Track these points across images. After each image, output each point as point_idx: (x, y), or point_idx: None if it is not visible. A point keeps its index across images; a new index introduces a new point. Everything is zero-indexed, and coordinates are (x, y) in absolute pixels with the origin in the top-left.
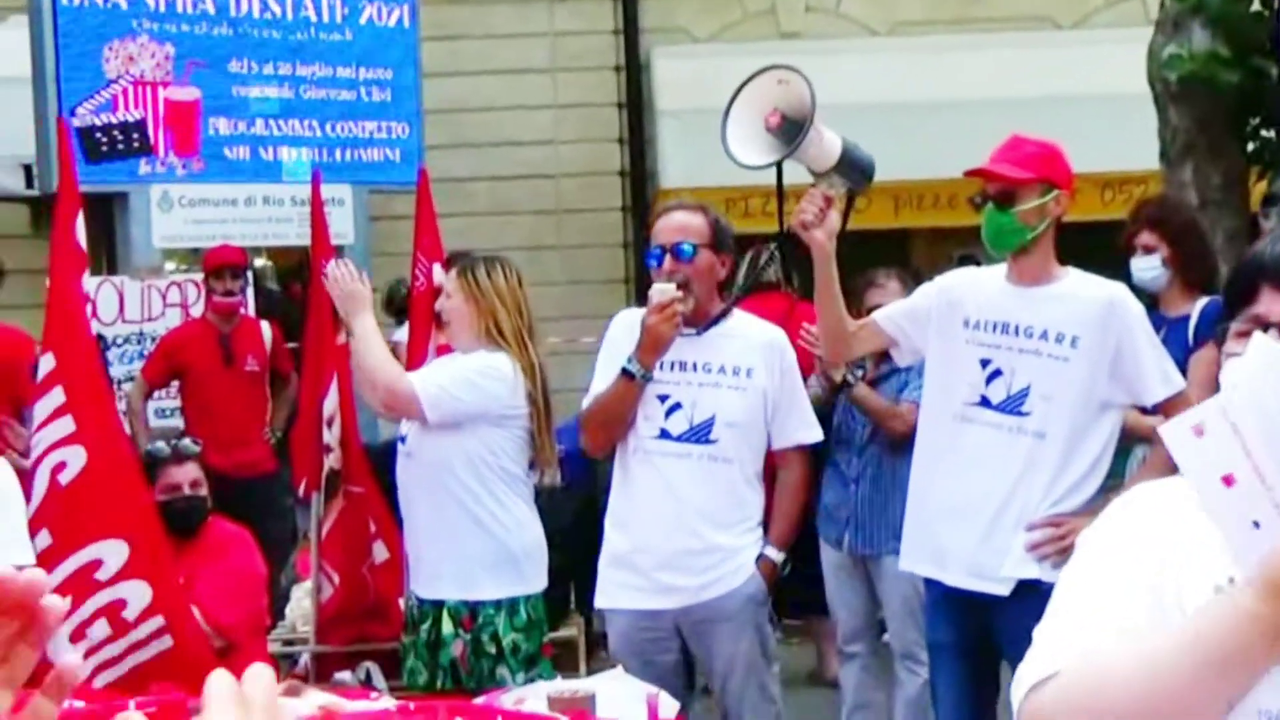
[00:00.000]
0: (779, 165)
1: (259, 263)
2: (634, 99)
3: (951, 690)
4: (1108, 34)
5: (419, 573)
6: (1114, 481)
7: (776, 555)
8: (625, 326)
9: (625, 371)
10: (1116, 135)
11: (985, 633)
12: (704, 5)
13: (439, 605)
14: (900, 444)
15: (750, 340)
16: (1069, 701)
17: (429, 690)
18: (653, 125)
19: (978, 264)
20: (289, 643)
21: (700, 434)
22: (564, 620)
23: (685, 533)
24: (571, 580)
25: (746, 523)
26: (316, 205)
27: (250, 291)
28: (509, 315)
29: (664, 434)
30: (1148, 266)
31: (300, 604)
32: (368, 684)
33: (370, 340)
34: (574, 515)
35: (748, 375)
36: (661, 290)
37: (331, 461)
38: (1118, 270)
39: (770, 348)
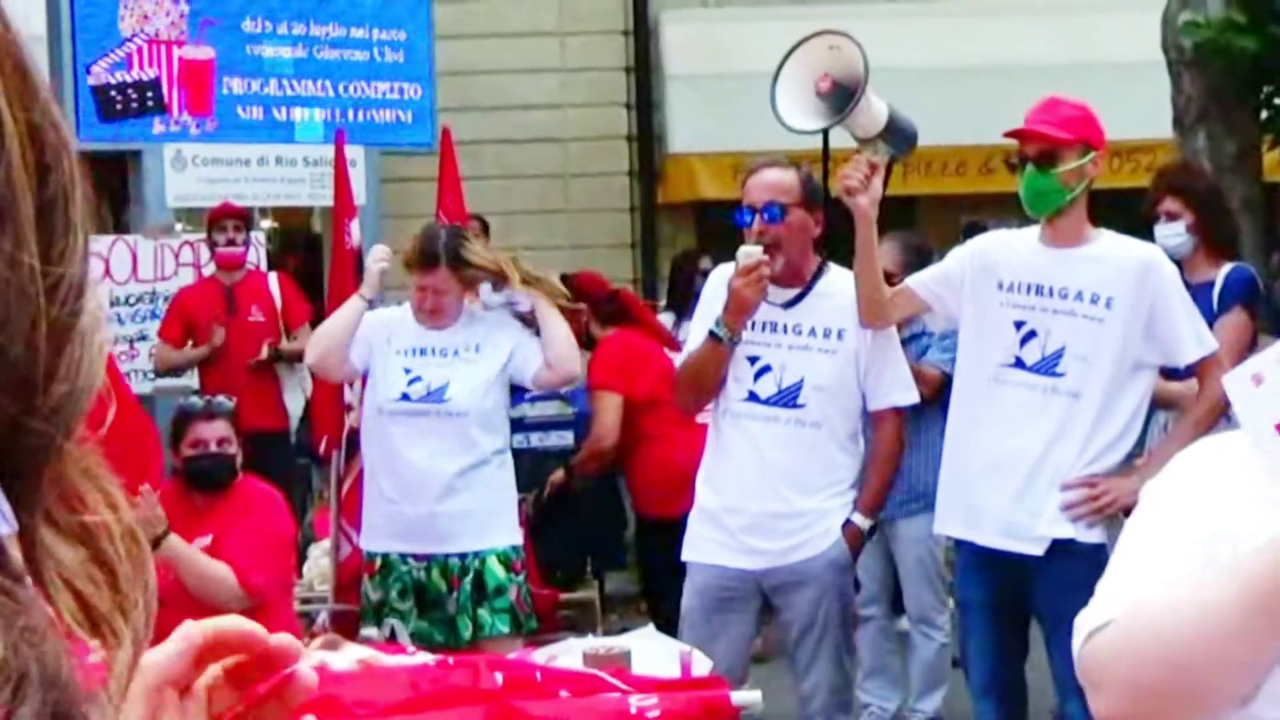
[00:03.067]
0: (826, 130)
1: (264, 224)
2: (642, 63)
3: (982, 650)
4: (1120, 2)
5: (452, 526)
6: (1136, 449)
7: (863, 522)
8: (721, 282)
9: (711, 334)
10: (1126, 103)
11: (1017, 593)
12: None
13: (478, 557)
14: (918, 409)
15: (841, 300)
16: (1122, 648)
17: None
18: (661, 89)
19: (984, 230)
20: (306, 601)
21: (788, 398)
22: (580, 583)
23: (771, 496)
24: (586, 542)
25: (836, 486)
26: (340, 164)
27: (263, 251)
28: None
29: (752, 396)
30: (1172, 233)
31: (318, 563)
32: (393, 640)
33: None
34: (589, 479)
35: (839, 337)
36: (747, 253)
37: (352, 420)
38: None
39: None
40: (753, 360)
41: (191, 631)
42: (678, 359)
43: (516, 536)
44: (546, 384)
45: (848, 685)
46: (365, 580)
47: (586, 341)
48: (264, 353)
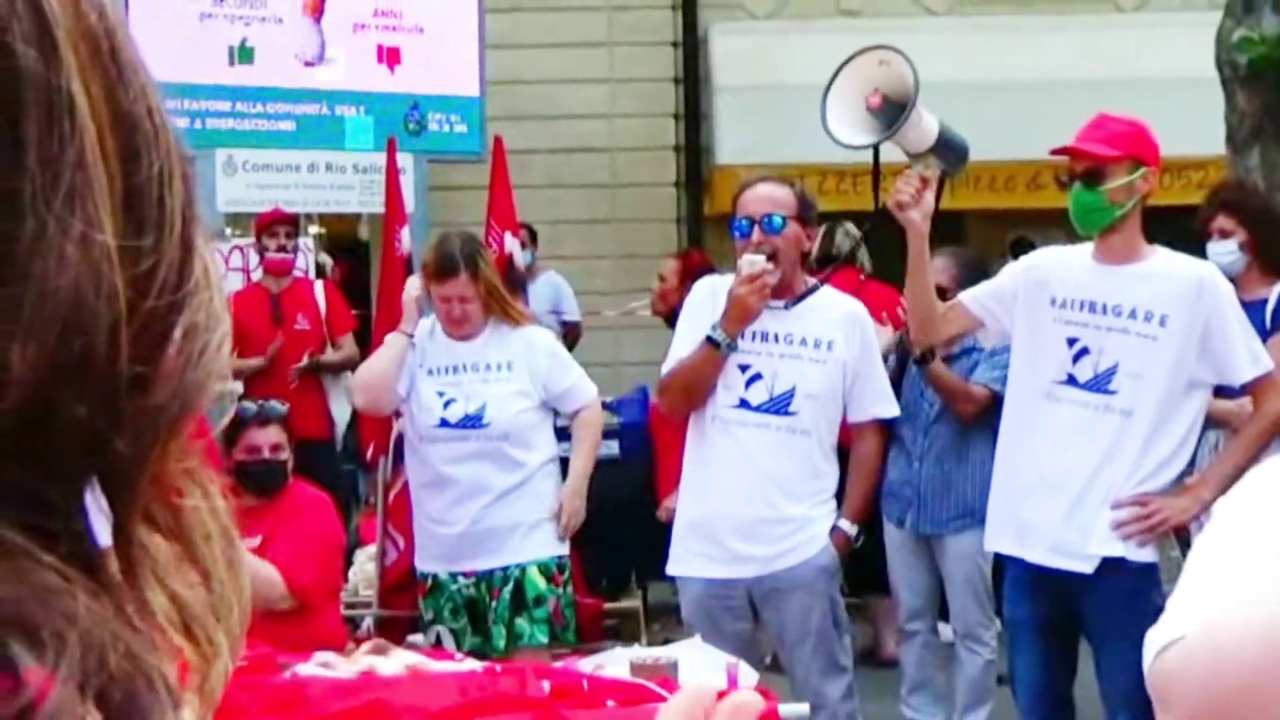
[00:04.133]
0: (876, 145)
1: (312, 230)
2: (691, 74)
3: (1030, 668)
4: (1169, 17)
5: (497, 542)
6: (1186, 469)
7: (850, 528)
8: (708, 292)
9: (709, 340)
10: (1177, 120)
11: (1067, 611)
12: None
13: (519, 567)
14: (967, 424)
15: (832, 313)
16: (1194, 665)
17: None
18: (709, 101)
19: (1033, 246)
20: (351, 606)
21: (780, 405)
22: (624, 592)
23: (760, 502)
24: (630, 552)
25: (821, 494)
26: (392, 171)
27: (311, 258)
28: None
29: (743, 404)
30: (1224, 251)
31: (363, 568)
32: (438, 647)
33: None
34: (632, 488)
35: (829, 348)
36: (751, 261)
37: (400, 426)
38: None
39: (851, 320)
40: (744, 368)
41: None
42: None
43: (560, 547)
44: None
45: (852, 696)
46: (420, 599)
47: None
48: (304, 361)
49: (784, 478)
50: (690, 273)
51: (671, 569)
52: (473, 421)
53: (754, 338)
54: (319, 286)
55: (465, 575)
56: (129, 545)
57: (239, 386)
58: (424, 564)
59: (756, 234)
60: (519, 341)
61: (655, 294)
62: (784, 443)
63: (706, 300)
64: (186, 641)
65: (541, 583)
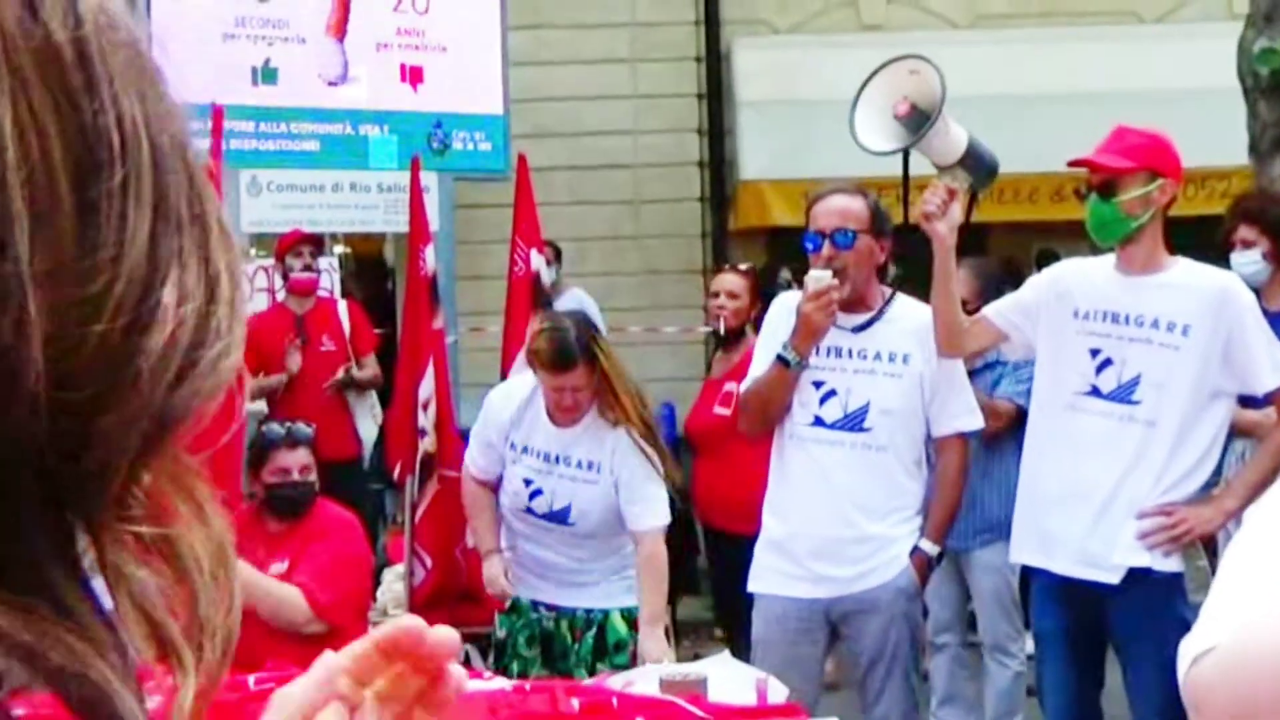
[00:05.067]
0: (905, 155)
1: (337, 250)
2: (714, 90)
3: (1058, 680)
4: (1191, 28)
5: (580, 590)
6: (1213, 478)
7: (931, 549)
8: (784, 309)
9: (780, 358)
10: (1200, 130)
11: (1093, 622)
12: None
13: (603, 612)
14: (991, 439)
15: (906, 325)
16: (1226, 675)
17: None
18: (732, 116)
19: (1057, 258)
20: (380, 625)
21: (854, 422)
22: None
23: (839, 521)
24: None
25: (903, 512)
26: (415, 191)
27: (336, 277)
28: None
29: (818, 421)
30: (1248, 261)
31: (391, 587)
32: (467, 665)
33: None
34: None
35: (904, 361)
36: (817, 278)
37: (426, 445)
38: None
39: (927, 331)
40: (818, 385)
41: (330, 659)
42: (741, 385)
43: (635, 600)
44: None
45: (915, 711)
46: (497, 615)
47: None
48: (339, 374)
49: (861, 495)
50: (758, 287)
51: (752, 585)
52: (558, 518)
53: (828, 353)
54: (343, 306)
55: (548, 608)
56: (103, 568)
57: (263, 407)
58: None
59: (826, 249)
60: (613, 441)
61: (713, 309)
62: (860, 460)
63: (784, 317)
64: (160, 664)
65: (623, 628)
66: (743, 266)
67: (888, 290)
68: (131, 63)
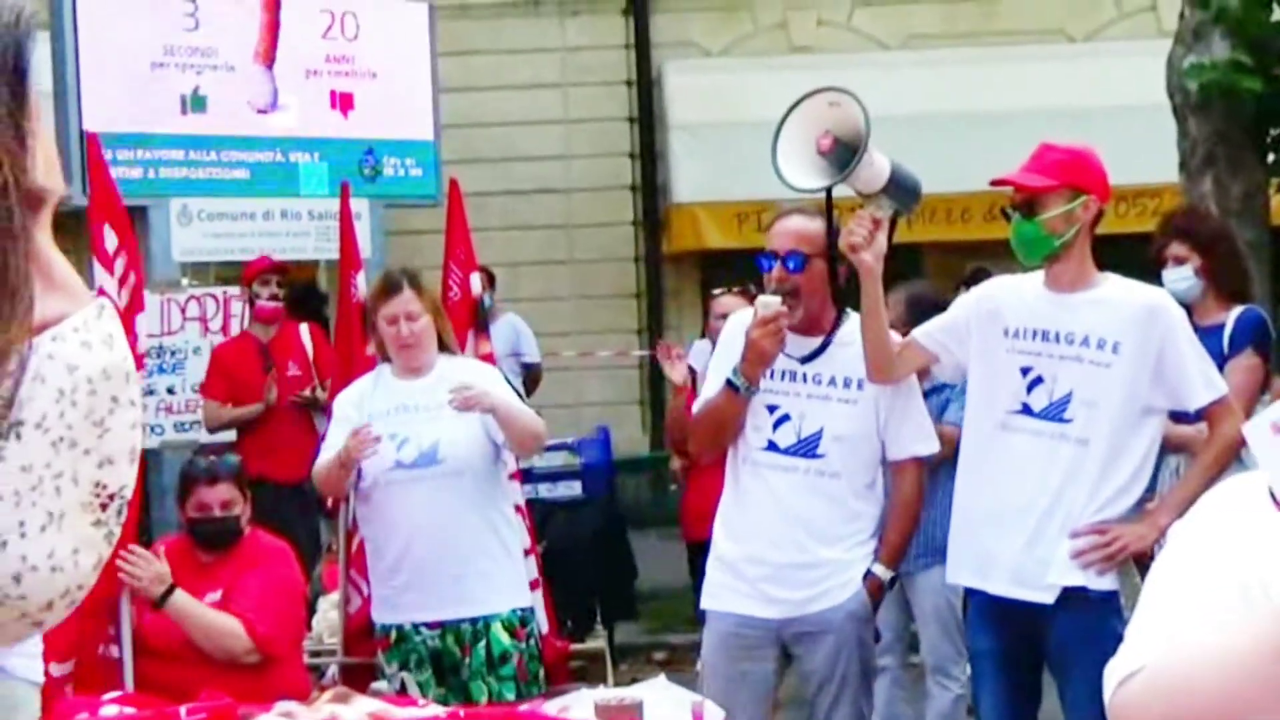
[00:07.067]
0: (828, 189)
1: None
2: (645, 113)
3: (994, 700)
4: (1120, 46)
5: (461, 592)
6: (1147, 494)
7: (884, 573)
8: (740, 327)
9: (729, 383)
10: (1129, 148)
11: (1029, 642)
12: (715, 19)
13: (485, 621)
14: (937, 463)
15: (859, 348)
16: (1153, 695)
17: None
18: (664, 139)
19: (989, 277)
20: (316, 654)
21: (808, 448)
22: (589, 632)
23: (792, 546)
24: (595, 593)
25: (857, 536)
26: (345, 217)
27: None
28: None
29: (771, 446)
30: (1180, 277)
31: (326, 615)
32: (403, 693)
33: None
34: (594, 528)
35: (859, 387)
36: (766, 304)
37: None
38: None
39: None
40: (771, 409)
41: None
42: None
43: (524, 598)
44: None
45: None
46: (380, 654)
47: None
48: (306, 392)
49: (815, 521)
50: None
51: (704, 603)
52: (428, 459)
53: (781, 377)
54: (304, 330)
55: (430, 626)
56: None
57: (201, 438)
58: (384, 616)
59: (778, 271)
60: (466, 373)
61: (713, 330)
62: (813, 486)
63: (737, 336)
64: None
65: (505, 638)
66: (736, 289)
67: (837, 311)
68: None
